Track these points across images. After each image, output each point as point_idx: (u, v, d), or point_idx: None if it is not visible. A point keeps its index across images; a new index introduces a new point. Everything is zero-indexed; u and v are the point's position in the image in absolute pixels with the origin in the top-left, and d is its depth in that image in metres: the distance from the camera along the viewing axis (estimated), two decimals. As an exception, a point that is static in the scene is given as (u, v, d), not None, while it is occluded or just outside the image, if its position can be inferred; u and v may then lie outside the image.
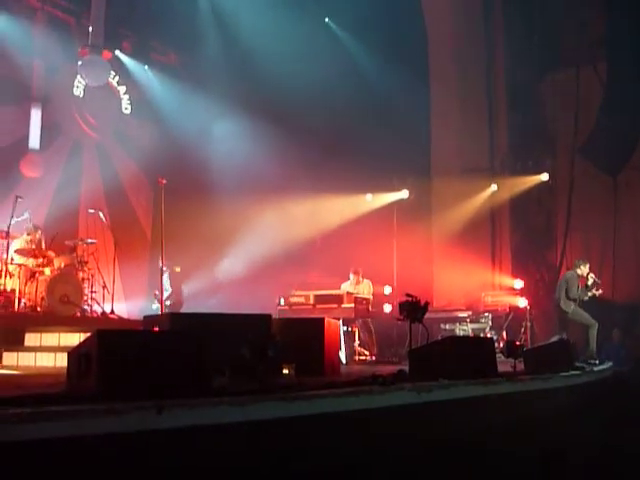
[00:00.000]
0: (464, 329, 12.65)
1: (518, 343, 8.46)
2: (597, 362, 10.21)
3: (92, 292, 10.78)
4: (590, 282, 11.01)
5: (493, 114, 15.62)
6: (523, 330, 12.80)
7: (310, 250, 14.99)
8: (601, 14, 14.28)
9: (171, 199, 10.23)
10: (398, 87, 14.33)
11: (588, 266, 11.16)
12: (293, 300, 11.11)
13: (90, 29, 13.20)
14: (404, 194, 15.16)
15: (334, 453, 4.38)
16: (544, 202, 15.30)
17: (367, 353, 11.38)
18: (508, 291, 13.99)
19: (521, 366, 7.59)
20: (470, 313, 12.93)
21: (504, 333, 12.85)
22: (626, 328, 12.96)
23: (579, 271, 11.11)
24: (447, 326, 12.73)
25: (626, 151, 13.64)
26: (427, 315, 7.30)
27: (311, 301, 10.98)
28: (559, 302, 11.05)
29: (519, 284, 13.94)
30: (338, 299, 10.92)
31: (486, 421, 5.81)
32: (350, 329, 11.40)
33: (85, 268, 10.79)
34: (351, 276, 11.93)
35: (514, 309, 13.18)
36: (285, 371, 5.96)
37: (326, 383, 5.16)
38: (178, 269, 12.74)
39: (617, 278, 12.40)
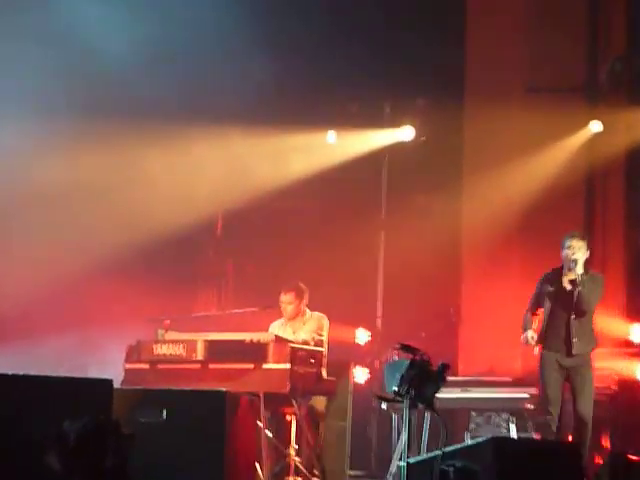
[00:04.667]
0: (521, 424, 10.68)
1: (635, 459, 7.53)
2: None
3: None
4: None
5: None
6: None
7: (201, 244, 12.72)
8: None
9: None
10: None
11: None
12: (159, 351, 9.25)
13: None
14: (406, 133, 13.07)
15: None
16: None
17: (314, 468, 9.50)
18: (616, 347, 11.76)
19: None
20: (535, 390, 10.75)
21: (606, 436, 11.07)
22: None
23: None
24: (483, 416, 10.77)
25: None
26: (444, 390, 6.54)
27: (198, 354, 9.12)
28: None
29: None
30: (257, 352, 9.00)
31: None
32: (281, 416, 9.56)
33: None
34: (283, 300, 9.79)
35: (627, 386, 10.98)
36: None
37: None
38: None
39: None
